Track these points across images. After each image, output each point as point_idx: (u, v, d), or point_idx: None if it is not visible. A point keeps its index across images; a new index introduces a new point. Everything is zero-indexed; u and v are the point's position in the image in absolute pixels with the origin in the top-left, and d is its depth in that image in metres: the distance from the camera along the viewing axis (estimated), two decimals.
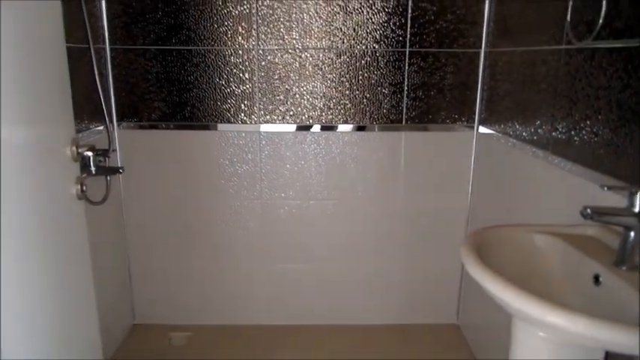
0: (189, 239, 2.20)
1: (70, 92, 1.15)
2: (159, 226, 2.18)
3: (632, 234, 0.98)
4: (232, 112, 2.06)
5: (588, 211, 0.96)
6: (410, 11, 1.96)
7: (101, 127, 1.94)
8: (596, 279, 1.02)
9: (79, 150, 1.12)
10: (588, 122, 1.27)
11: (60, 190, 1.10)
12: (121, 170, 1.69)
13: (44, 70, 1.05)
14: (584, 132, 1.29)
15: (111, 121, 2.04)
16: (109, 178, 1.76)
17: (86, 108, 1.83)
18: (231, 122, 2.07)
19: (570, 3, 1.30)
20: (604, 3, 1.17)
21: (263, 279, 2.25)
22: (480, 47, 2.00)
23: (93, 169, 1.62)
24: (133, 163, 2.09)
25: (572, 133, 1.35)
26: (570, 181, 1.36)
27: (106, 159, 1.72)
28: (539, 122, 1.55)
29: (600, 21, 1.18)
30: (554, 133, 1.45)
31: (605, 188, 0.96)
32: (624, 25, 1.12)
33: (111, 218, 2.08)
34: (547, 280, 1.13)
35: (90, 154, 1.50)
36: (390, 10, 1.96)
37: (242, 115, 2.06)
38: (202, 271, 2.24)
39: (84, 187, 1.14)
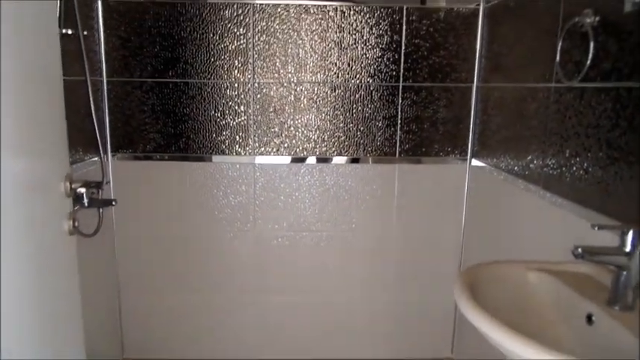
0: (181, 272, 2.18)
1: (66, 127, 1.16)
2: (150, 258, 2.16)
3: (625, 273, 0.98)
4: (227, 144, 2.07)
5: (580, 250, 0.97)
6: (403, 47, 2.00)
7: (96, 158, 1.94)
8: (589, 318, 1.01)
9: (73, 186, 1.12)
10: (578, 159, 1.29)
11: (51, 225, 1.09)
12: (114, 203, 1.69)
13: (40, 105, 1.06)
14: (574, 169, 1.31)
15: (105, 152, 2.04)
16: (101, 210, 1.76)
17: (81, 139, 1.83)
18: (226, 154, 2.08)
19: (559, 44, 1.34)
20: (591, 45, 1.20)
21: (255, 312, 2.22)
22: (472, 82, 2.04)
23: (86, 201, 1.61)
24: (126, 194, 2.08)
25: (564, 169, 1.36)
26: (562, 216, 1.37)
27: (100, 191, 1.72)
28: (530, 157, 1.56)
29: (588, 62, 1.21)
30: (545, 169, 1.46)
31: (596, 228, 0.97)
32: (611, 67, 1.15)
33: (102, 250, 2.06)
34: (541, 318, 1.13)
35: (83, 190, 1.50)
36: (384, 46, 2.00)
37: (237, 146, 2.08)
38: (194, 304, 2.21)
39: (76, 223, 1.13)
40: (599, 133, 1.20)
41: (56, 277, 1.12)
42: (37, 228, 1.03)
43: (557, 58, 1.34)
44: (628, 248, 0.97)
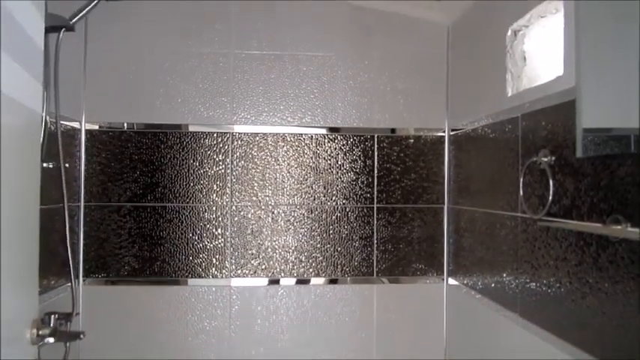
0: None
1: (37, 271, 1.13)
2: None
3: None
4: (203, 267, 2.05)
5: None
6: (376, 171, 2.09)
7: (68, 284, 1.88)
8: None
9: (40, 333, 1.07)
10: (552, 290, 1.31)
11: None
12: (81, 336, 1.60)
13: (10, 249, 1.05)
14: (548, 298, 1.33)
15: (77, 277, 1.99)
16: (68, 344, 1.67)
17: (53, 266, 1.79)
18: (202, 277, 2.05)
19: (521, 178, 1.42)
20: (551, 182, 1.28)
21: None
22: (443, 203, 2.12)
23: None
24: (95, 321, 1.99)
25: (538, 297, 1.38)
26: (540, 346, 1.36)
27: (68, 323, 1.65)
28: (504, 281, 1.58)
29: (550, 198, 1.28)
30: (520, 295, 1.48)
31: None
32: (571, 204, 1.22)
33: None
34: None
35: (52, 340, 1.43)
36: (357, 170, 2.09)
37: (213, 269, 2.05)
38: None
39: None
40: (567, 266, 1.24)
41: None
42: None
43: (521, 191, 1.42)
44: None
